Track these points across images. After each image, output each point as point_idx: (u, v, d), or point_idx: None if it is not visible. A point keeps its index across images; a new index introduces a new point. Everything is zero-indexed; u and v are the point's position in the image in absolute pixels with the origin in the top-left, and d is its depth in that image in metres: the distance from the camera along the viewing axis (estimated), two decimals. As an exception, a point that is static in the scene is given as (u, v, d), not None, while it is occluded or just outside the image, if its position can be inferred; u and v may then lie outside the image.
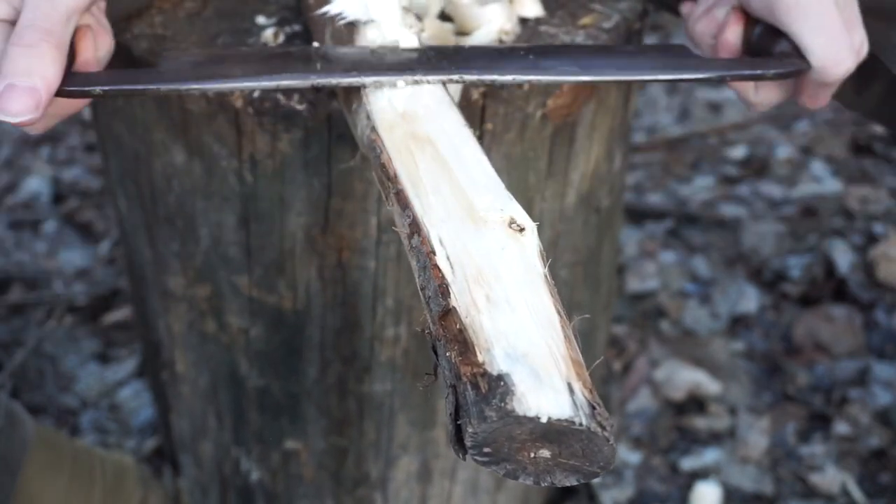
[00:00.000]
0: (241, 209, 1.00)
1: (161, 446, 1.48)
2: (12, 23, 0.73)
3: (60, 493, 1.15)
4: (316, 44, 0.84)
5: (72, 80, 0.74)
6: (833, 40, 0.82)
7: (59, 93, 0.72)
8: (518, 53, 0.83)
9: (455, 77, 0.78)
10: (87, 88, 0.74)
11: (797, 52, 0.84)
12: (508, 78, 0.79)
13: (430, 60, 0.79)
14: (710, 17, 0.91)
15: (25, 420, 1.11)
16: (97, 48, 0.79)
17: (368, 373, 1.10)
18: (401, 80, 0.76)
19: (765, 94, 0.90)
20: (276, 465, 1.21)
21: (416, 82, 0.76)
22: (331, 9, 0.85)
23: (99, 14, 0.82)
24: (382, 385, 1.11)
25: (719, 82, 0.86)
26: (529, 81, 0.80)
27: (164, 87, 0.76)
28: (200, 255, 1.05)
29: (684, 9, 0.96)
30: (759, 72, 0.83)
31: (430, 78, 0.77)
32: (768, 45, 0.86)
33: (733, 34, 0.88)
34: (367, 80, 0.76)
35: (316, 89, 0.80)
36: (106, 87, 0.75)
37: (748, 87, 0.90)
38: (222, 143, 0.95)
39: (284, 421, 1.16)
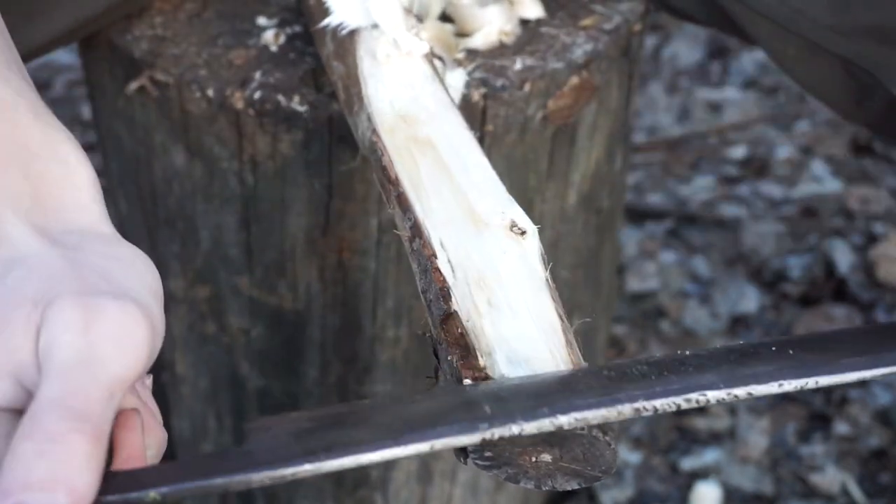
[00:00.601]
0: (242, 210, 1.00)
1: (161, 446, 1.48)
2: (18, 411, 0.49)
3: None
4: (468, 381, 0.58)
5: (112, 485, 0.49)
6: None
7: None
8: (768, 350, 0.60)
9: (695, 396, 0.55)
10: (134, 496, 0.49)
11: None
12: (773, 385, 0.57)
13: (639, 377, 0.57)
14: None
15: None
16: (146, 443, 0.54)
17: (369, 373, 1.10)
18: (616, 412, 0.55)
19: None
20: (276, 465, 1.21)
21: (638, 412, 0.55)
22: (331, 21, 0.85)
23: (146, 393, 0.60)
24: (383, 386, 1.11)
25: None
26: (804, 386, 0.57)
27: (257, 475, 0.51)
28: (201, 256, 1.05)
29: None
30: None
31: (658, 403, 0.55)
32: None
33: None
34: (564, 419, 0.54)
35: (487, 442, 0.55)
36: (166, 489, 0.49)
37: None
38: (223, 144, 0.95)
39: (285, 422, 1.16)
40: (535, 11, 0.99)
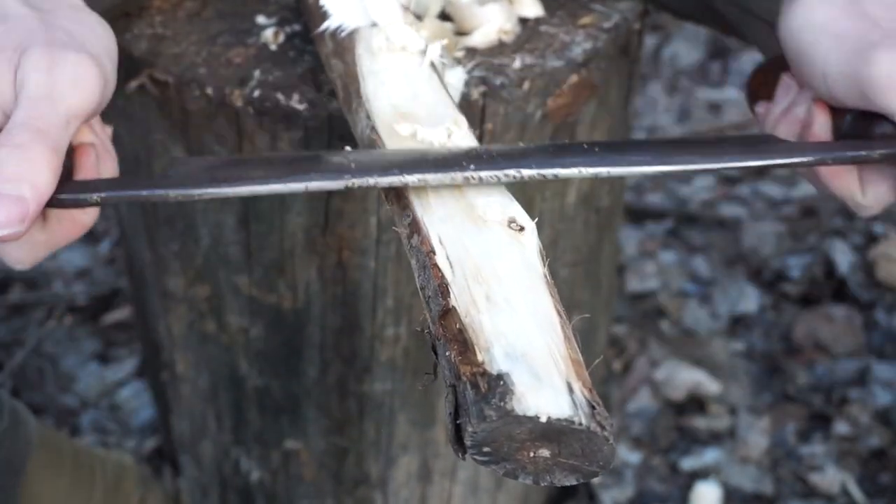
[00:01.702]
0: (241, 209, 1.00)
1: (161, 446, 1.48)
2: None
3: (61, 494, 1.15)
4: (348, 148, 0.75)
5: (66, 188, 0.64)
6: None
7: (51, 202, 0.63)
8: (581, 148, 0.73)
9: (512, 172, 0.68)
10: (82, 196, 0.65)
11: None
12: (574, 171, 0.70)
13: (481, 157, 0.70)
14: (791, 118, 0.81)
15: (29, 421, 1.11)
16: (100, 171, 0.71)
17: (369, 372, 1.10)
18: (450, 178, 0.67)
19: (874, 192, 0.77)
20: (276, 465, 1.21)
21: (468, 180, 0.67)
22: (330, 23, 0.85)
23: (104, 136, 0.75)
24: (383, 385, 1.11)
25: (819, 166, 0.75)
26: (598, 174, 0.70)
27: (173, 192, 0.66)
28: (200, 255, 1.05)
29: (759, 108, 0.87)
30: (863, 152, 0.72)
31: (484, 174, 0.68)
32: (865, 131, 0.75)
33: (822, 127, 0.78)
34: (410, 178, 0.67)
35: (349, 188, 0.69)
36: (104, 194, 0.65)
37: (853, 188, 0.77)
38: (222, 143, 0.96)
39: (284, 421, 1.16)
40: (534, 10, 0.99)
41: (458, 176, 0.67)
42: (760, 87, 0.88)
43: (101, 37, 0.71)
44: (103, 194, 0.65)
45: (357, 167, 0.68)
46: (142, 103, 0.98)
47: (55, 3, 0.71)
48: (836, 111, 0.77)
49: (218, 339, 1.12)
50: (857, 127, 0.76)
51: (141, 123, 0.99)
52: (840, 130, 0.77)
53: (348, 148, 0.74)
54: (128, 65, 0.96)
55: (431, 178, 0.67)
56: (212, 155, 0.76)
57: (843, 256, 1.77)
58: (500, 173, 0.68)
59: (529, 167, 0.69)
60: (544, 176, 0.69)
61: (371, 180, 0.67)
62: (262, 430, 1.18)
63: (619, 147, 0.75)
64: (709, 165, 0.73)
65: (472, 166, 0.68)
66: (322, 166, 0.69)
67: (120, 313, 1.69)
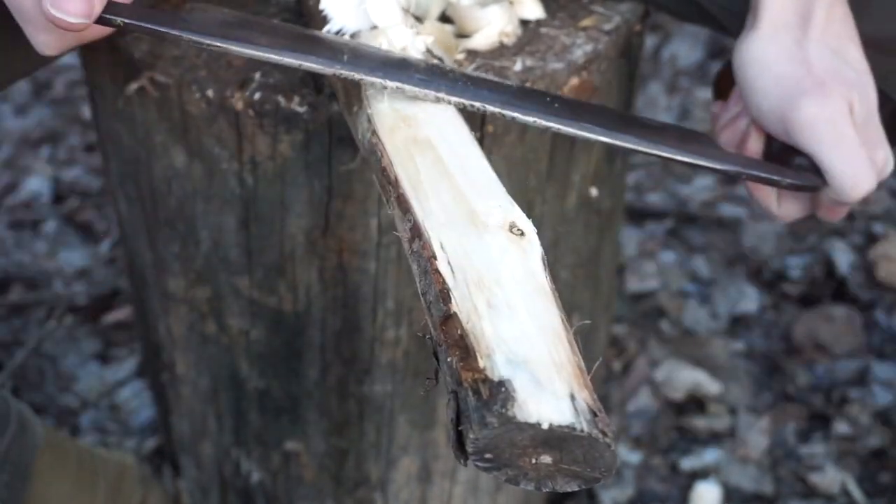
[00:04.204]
0: (242, 211, 1.00)
1: (161, 446, 1.48)
2: None
3: (66, 495, 1.15)
4: (348, 37, 0.84)
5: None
6: (851, 162, 0.81)
7: None
8: (544, 99, 0.82)
9: (477, 104, 0.78)
10: (110, 17, 0.73)
11: (815, 168, 0.83)
12: (530, 119, 0.78)
13: (455, 82, 0.79)
14: (734, 128, 0.90)
15: (35, 424, 1.11)
16: None
17: (369, 374, 1.10)
18: (423, 93, 0.76)
19: (786, 208, 0.89)
20: (276, 466, 1.21)
21: (438, 100, 0.77)
22: (331, 27, 0.85)
23: None
24: (383, 386, 1.11)
25: (735, 178, 0.87)
26: (550, 128, 0.79)
27: (186, 35, 0.74)
28: (201, 257, 1.05)
29: (713, 107, 0.96)
30: (775, 177, 0.83)
31: (453, 99, 0.77)
32: (788, 161, 0.85)
33: (754, 145, 0.88)
34: (390, 83, 0.76)
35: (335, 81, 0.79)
36: (128, 20, 0.73)
37: (771, 200, 0.89)
38: (223, 145, 0.96)
39: (285, 422, 1.16)
40: (535, 12, 0.99)
41: (431, 95, 0.76)
42: (725, 85, 0.95)
43: None
44: (127, 20, 0.73)
45: (349, 59, 0.77)
46: (142, 105, 0.98)
47: None
48: (770, 135, 0.88)
49: (218, 340, 1.12)
50: (783, 152, 0.86)
51: (141, 125, 0.99)
52: (770, 150, 0.88)
53: (348, 38, 0.83)
54: (128, 67, 0.96)
55: (408, 89, 0.76)
56: (226, 8, 0.80)
57: (843, 256, 1.77)
58: (467, 102, 0.77)
59: (494, 104, 0.78)
60: (503, 115, 0.78)
61: (356, 75, 0.76)
62: (263, 431, 1.18)
63: (576, 109, 0.82)
64: (644, 148, 0.81)
65: (445, 89, 0.77)
66: (320, 49, 0.77)
67: (120, 313, 1.69)
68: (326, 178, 0.96)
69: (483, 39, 0.95)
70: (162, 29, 0.74)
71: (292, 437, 1.17)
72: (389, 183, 0.70)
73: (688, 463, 1.51)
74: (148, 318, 1.20)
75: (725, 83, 0.95)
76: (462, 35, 0.95)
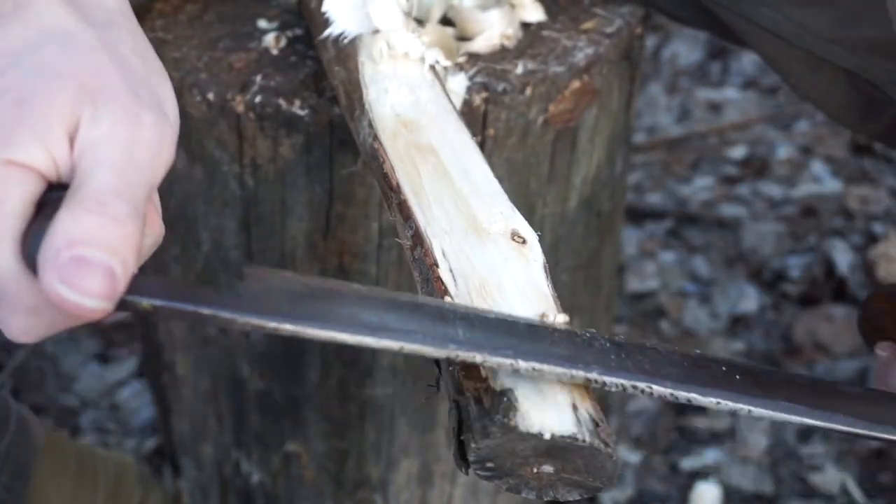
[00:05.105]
0: (243, 214, 1.00)
1: (161, 446, 1.48)
2: (48, 182, 0.55)
3: (66, 496, 1.15)
4: (448, 298, 0.63)
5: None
6: None
7: None
8: (719, 369, 0.64)
9: (641, 385, 0.59)
10: (132, 298, 0.53)
11: None
12: (711, 400, 0.61)
13: (606, 355, 0.60)
14: None
15: (35, 425, 1.11)
16: (145, 234, 0.57)
17: (370, 376, 1.10)
18: (569, 375, 0.58)
19: None
20: (276, 467, 1.21)
21: (589, 381, 0.58)
22: (332, 30, 0.85)
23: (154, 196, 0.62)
24: (383, 389, 1.11)
25: None
26: (737, 410, 0.62)
27: (242, 317, 0.55)
28: (201, 259, 1.05)
29: (880, 351, 0.81)
30: None
31: (609, 380, 0.59)
32: None
33: None
34: (524, 365, 0.57)
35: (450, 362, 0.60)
36: (160, 303, 0.54)
37: None
38: (224, 148, 0.95)
39: (285, 424, 1.16)
40: (536, 15, 0.99)
41: (580, 375, 0.58)
42: (884, 316, 0.81)
43: (169, 86, 0.62)
44: (157, 302, 0.53)
45: (465, 335, 0.57)
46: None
47: (106, 14, 0.61)
48: None
49: (219, 341, 1.12)
50: None
51: (142, 128, 0.99)
52: None
53: (449, 298, 0.62)
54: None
55: (548, 370, 0.57)
56: (289, 272, 0.60)
57: (843, 256, 1.77)
58: (627, 383, 0.59)
59: (663, 385, 0.60)
60: (677, 398, 0.60)
61: (479, 357, 0.56)
62: (263, 432, 1.18)
63: (763, 382, 0.65)
64: (863, 431, 0.66)
65: (597, 369, 0.58)
66: (426, 323, 0.58)
67: (120, 313, 1.69)
68: (327, 181, 0.96)
69: (484, 42, 0.95)
70: (207, 312, 0.54)
71: (293, 439, 1.17)
72: (391, 189, 0.70)
73: (688, 463, 1.51)
74: (148, 318, 1.20)
75: (882, 317, 0.80)
76: (463, 38, 0.95)
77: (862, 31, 0.86)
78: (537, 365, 0.56)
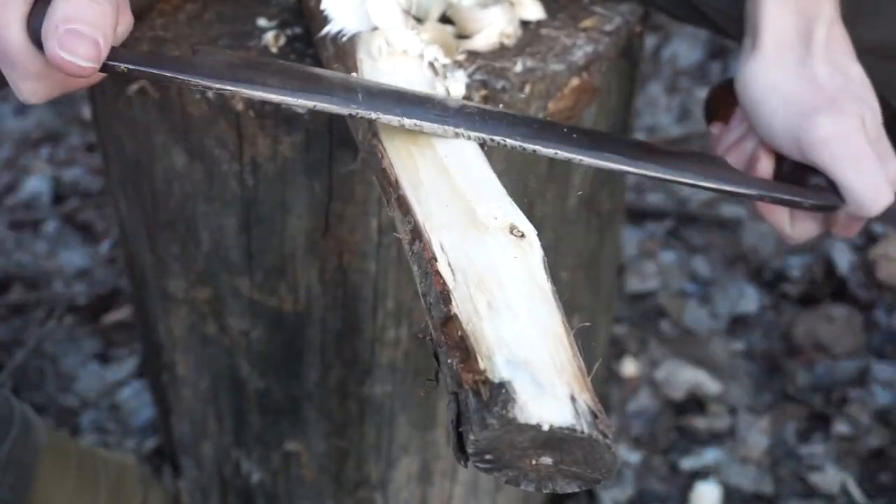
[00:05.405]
0: (243, 212, 1.00)
1: (161, 446, 1.48)
2: None
3: (67, 496, 1.15)
4: (355, 74, 0.81)
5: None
6: (869, 177, 0.81)
7: None
8: (562, 130, 0.80)
9: (497, 139, 0.76)
10: (113, 63, 0.69)
11: (832, 187, 0.83)
12: (551, 151, 0.77)
13: (473, 117, 0.76)
14: (741, 150, 0.89)
15: (38, 426, 1.12)
16: (119, 22, 0.73)
17: (369, 375, 1.10)
18: (442, 129, 0.74)
19: (800, 228, 0.88)
20: (276, 466, 1.21)
21: (457, 135, 0.74)
22: (331, 28, 0.85)
23: None
24: (383, 387, 1.11)
25: (758, 201, 0.85)
26: (572, 159, 0.77)
27: (195, 80, 0.71)
28: (201, 258, 1.05)
29: (714, 129, 0.94)
30: (797, 199, 0.83)
31: (472, 134, 0.75)
32: (801, 179, 0.85)
33: (765, 168, 0.87)
34: (408, 121, 0.73)
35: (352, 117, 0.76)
36: (132, 66, 0.70)
37: (783, 220, 0.88)
38: (223, 146, 0.96)
39: (285, 423, 1.16)
40: (535, 13, 0.99)
41: (451, 131, 0.74)
42: (719, 104, 0.95)
43: None
44: (131, 66, 0.70)
45: (364, 98, 0.74)
46: (143, 106, 0.98)
47: None
48: (779, 155, 0.87)
49: (219, 341, 1.12)
50: (795, 172, 0.86)
51: (142, 126, 0.99)
52: (780, 172, 0.87)
53: (355, 75, 0.79)
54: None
55: (427, 126, 0.74)
56: (230, 51, 0.81)
57: (843, 256, 1.77)
58: (486, 137, 0.75)
59: (514, 138, 0.76)
60: (524, 149, 0.76)
61: (373, 114, 0.73)
62: (263, 431, 1.18)
63: (596, 140, 0.81)
64: (668, 176, 0.81)
65: (464, 125, 0.75)
66: (333, 89, 0.74)
67: (120, 313, 1.69)
68: (327, 180, 0.96)
69: (483, 40, 0.95)
70: (168, 74, 0.71)
71: (292, 438, 1.17)
72: (390, 184, 0.70)
73: (688, 463, 1.51)
74: (148, 318, 1.20)
75: (718, 105, 0.95)
76: (463, 36, 0.95)
77: (859, 35, 0.86)
78: (418, 122, 0.73)
